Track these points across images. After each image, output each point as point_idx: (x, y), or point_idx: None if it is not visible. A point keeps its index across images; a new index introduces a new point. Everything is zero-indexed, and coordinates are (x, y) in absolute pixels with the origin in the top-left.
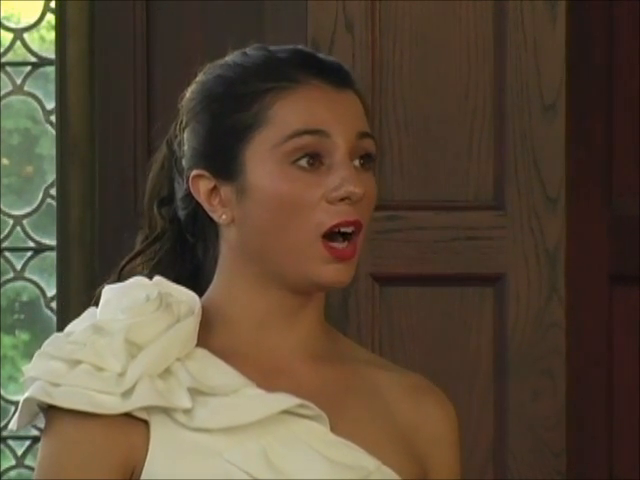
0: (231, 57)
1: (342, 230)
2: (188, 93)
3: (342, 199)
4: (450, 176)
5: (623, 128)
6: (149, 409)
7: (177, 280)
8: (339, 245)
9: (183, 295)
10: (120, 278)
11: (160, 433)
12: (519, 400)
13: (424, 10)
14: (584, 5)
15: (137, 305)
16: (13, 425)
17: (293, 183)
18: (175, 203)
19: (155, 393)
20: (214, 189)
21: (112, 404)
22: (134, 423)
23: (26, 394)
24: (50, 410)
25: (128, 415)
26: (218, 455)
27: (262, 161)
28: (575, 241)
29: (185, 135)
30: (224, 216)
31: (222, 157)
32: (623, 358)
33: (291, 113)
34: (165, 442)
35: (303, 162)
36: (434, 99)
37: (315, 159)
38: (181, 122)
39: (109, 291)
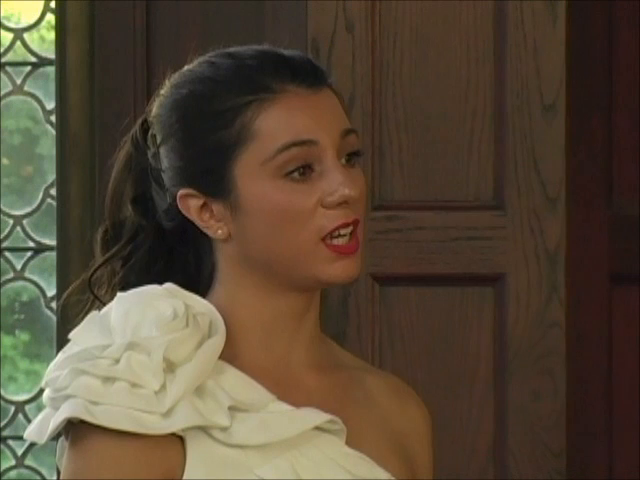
0: (197, 67)
1: (342, 233)
2: (159, 108)
3: (339, 203)
4: (450, 176)
5: (623, 128)
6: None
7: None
8: (341, 241)
9: (199, 305)
10: (90, 282)
11: (196, 449)
12: (519, 400)
13: (424, 10)
14: (584, 5)
15: (166, 320)
16: (40, 439)
17: (288, 195)
18: (154, 209)
19: (195, 413)
20: (204, 205)
21: (155, 424)
22: (171, 439)
23: (66, 413)
24: (82, 425)
25: None
26: (249, 471)
27: (253, 177)
28: (575, 241)
29: (162, 151)
30: (220, 231)
31: (210, 176)
32: (623, 358)
33: (275, 126)
34: (202, 458)
35: (295, 174)
36: (434, 99)
37: (306, 168)
38: (154, 136)
39: (126, 300)
